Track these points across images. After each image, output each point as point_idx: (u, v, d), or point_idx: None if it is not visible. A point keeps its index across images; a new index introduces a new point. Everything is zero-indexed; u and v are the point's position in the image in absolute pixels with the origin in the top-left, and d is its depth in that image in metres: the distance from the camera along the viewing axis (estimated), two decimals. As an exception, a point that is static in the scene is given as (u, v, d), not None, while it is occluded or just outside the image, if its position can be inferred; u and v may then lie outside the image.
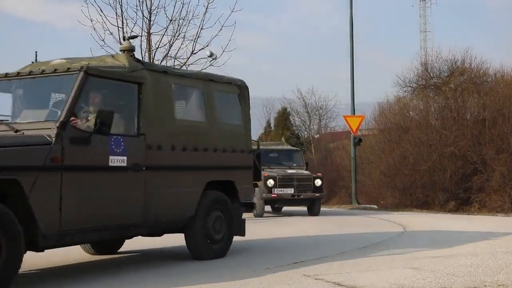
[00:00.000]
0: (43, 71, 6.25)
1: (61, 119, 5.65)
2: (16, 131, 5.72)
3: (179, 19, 14.59)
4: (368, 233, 10.83)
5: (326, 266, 6.77)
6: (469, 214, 17.52)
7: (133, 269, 6.78)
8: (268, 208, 16.63)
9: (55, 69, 6.16)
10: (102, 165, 5.99)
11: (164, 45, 14.61)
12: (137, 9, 14.46)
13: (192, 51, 14.59)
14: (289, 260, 7.20)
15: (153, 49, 14.51)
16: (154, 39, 14.62)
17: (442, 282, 5.63)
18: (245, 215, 8.22)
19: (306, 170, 16.83)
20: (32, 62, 7.23)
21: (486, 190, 19.56)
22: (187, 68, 14.92)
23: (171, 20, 14.57)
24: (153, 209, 6.56)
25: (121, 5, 14.32)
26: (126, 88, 6.51)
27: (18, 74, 6.42)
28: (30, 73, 6.31)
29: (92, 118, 5.95)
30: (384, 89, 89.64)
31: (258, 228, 12.28)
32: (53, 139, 5.51)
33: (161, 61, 14.61)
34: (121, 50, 7.14)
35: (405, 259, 7.23)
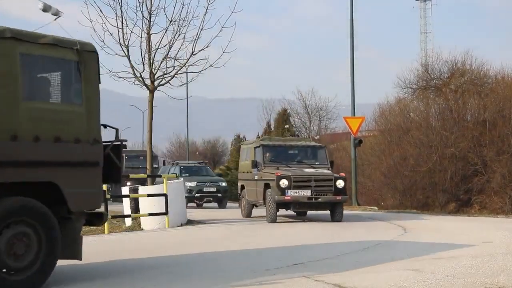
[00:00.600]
0: None
1: None
2: None
3: (179, 20, 14.55)
4: (368, 235, 10.81)
5: (326, 267, 6.76)
6: (469, 216, 17.50)
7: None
8: (283, 211, 14.70)
9: None
10: None
11: (164, 46, 14.57)
12: (137, 10, 14.42)
13: (192, 52, 14.55)
14: (289, 261, 7.18)
15: (153, 50, 14.48)
16: (154, 39, 14.59)
17: (443, 284, 5.62)
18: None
19: (331, 169, 14.93)
20: None
21: (486, 192, 19.54)
22: (187, 69, 14.88)
23: (171, 21, 14.53)
24: None
25: (121, 6, 14.27)
26: None
27: None
28: None
29: None
30: (384, 90, 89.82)
31: (257, 230, 12.27)
32: None
33: (161, 62, 14.59)
34: None
35: (405, 260, 7.22)
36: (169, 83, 14.64)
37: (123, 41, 14.27)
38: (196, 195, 21.70)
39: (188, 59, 14.61)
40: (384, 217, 15.82)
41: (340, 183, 13.71)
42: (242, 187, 16.21)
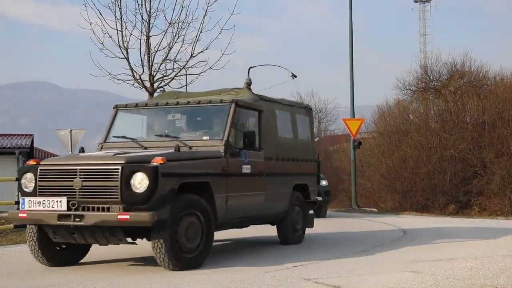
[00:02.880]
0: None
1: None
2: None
3: (179, 22, 14.58)
4: (368, 237, 10.81)
5: (326, 269, 6.75)
6: (469, 218, 17.51)
7: (123, 275, 6.73)
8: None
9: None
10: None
11: (164, 48, 14.60)
12: (136, 12, 14.46)
13: (192, 54, 14.57)
14: (288, 263, 7.18)
15: (152, 52, 14.49)
16: (154, 42, 14.60)
17: (442, 286, 5.61)
18: None
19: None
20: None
21: (486, 193, 19.55)
22: (186, 71, 14.91)
23: (170, 23, 14.56)
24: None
25: (120, 8, 14.32)
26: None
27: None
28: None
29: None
30: (383, 92, 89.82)
31: (257, 231, 12.25)
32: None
33: (160, 64, 14.60)
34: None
35: (405, 262, 7.21)
36: (169, 85, 14.68)
37: (123, 43, 14.32)
38: None
39: (187, 61, 14.66)
40: (384, 219, 15.82)
41: (140, 181, 6.38)
42: None
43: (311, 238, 10.64)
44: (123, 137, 8.20)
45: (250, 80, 9.05)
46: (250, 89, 8.78)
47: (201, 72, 14.79)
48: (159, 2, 14.78)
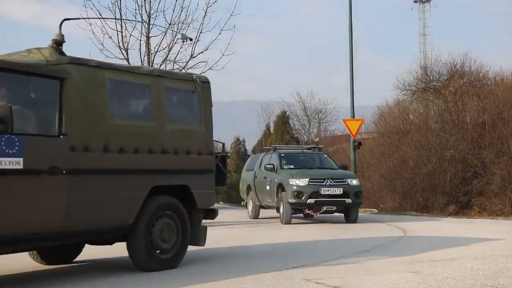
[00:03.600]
0: None
1: None
2: None
3: (178, 22, 14.59)
4: (368, 237, 10.80)
5: (326, 270, 6.75)
6: (469, 218, 17.50)
7: (86, 278, 6.74)
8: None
9: None
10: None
11: (164, 49, 14.61)
12: (136, 13, 14.49)
13: (192, 55, 14.58)
14: (289, 264, 7.18)
15: (152, 52, 14.51)
16: (153, 42, 14.61)
17: (443, 286, 5.61)
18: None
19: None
20: None
21: (486, 194, 19.52)
22: (186, 72, 14.87)
23: (170, 24, 14.57)
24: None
25: (120, 9, 14.34)
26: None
27: None
28: None
29: None
30: (383, 92, 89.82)
31: (257, 232, 12.26)
32: None
33: (160, 64, 14.61)
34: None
35: (405, 262, 7.21)
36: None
37: (123, 44, 14.32)
38: (308, 201, 13.98)
39: (187, 62, 14.68)
40: (384, 219, 15.81)
41: None
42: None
43: (311, 239, 10.64)
44: None
45: (62, 36, 6.50)
46: (59, 49, 6.28)
47: (201, 73, 14.77)
48: (159, 3, 14.81)
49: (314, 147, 18.18)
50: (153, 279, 6.36)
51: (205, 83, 7.69)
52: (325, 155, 16.76)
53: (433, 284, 5.68)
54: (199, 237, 7.48)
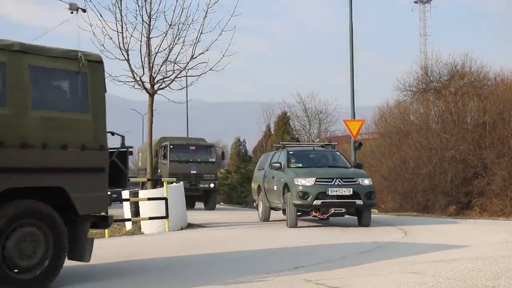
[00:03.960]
0: None
1: None
2: None
3: (179, 23, 14.57)
4: (368, 238, 10.79)
5: (327, 270, 6.75)
6: (470, 218, 17.49)
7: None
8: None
9: None
10: None
11: (164, 50, 14.59)
12: (136, 14, 14.46)
13: (192, 56, 14.56)
14: (290, 265, 7.17)
15: (152, 53, 14.50)
16: (154, 43, 14.60)
17: (443, 287, 5.61)
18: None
19: None
20: None
21: (487, 194, 19.53)
22: (186, 73, 14.88)
23: (170, 25, 14.56)
24: None
25: (120, 10, 14.31)
26: None
27: None
28: None
29: None
30: (384, 93, 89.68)
31: (258, 234, 12.25)
32: None
33: (161, 65, 14.60)
34: None
35: (406, 263, 7.21)
36: (169, 86, 14.68)
37: (123, 45, 14.30)
38: (314, 202, 12.63)
39: (187, 63, 14.64)
40: (385, 220, 15.80)
41: None
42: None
43: (312, 239, 10.63)
44: None
45: None
46: None
47: (201, 74, 14.77)
48: (159, 4, 14.81)
49: (327, 144, 16.70)
50: (153, 281, 6.37)
51: (96, 62, 6.32)
52: (338, 153, 15.39)
53: (434, 285, 5.68)
54: (83, 250, 6.14)
